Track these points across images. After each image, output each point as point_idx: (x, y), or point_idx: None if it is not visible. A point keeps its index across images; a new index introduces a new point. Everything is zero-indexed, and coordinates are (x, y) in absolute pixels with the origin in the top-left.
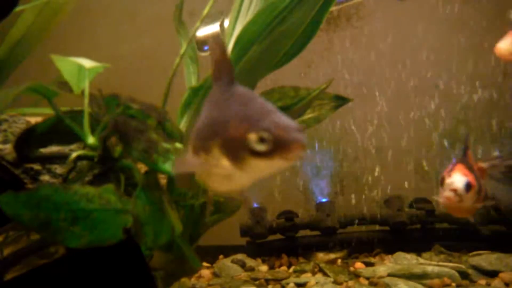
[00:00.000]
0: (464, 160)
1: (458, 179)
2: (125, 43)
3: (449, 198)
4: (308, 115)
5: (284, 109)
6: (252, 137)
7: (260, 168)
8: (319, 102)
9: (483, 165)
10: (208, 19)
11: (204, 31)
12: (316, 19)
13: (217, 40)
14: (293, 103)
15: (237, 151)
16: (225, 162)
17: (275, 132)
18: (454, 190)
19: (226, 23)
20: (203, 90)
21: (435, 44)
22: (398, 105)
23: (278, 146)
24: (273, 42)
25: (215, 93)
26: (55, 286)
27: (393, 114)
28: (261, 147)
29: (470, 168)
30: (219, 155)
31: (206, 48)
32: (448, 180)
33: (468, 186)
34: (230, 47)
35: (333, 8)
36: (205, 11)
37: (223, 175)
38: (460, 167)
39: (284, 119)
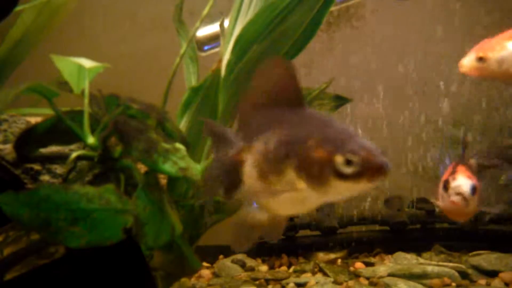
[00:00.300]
0: (463, 161)
1: (464, 182)
2: (125, 43)
3: (456, 203)
4: None
5: None
6: (339, 159)
7: (342, 191)
8: (319, 102)
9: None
10: (208, 19)
11: (204, 31)
12: (316, 19)
13: (287, 64)
14: None
15: (319, 173)
16: (301, 185)
17: (363, 155)
18: (461, 194)
19: (226, 23)
20: (203, 90)
21: (435, 44)
22: (398, 104)
23: (365, 169)
24: (273, 42)
25: (283, 114)
26: (55, 286)
27: (393, 113)
28: (347, 170)
29: (471, 169)
30: (294, 177)
31: (206, 48)
32: (453, 184)
33: (474, 189)
34: (230, 47)
35: (333, 8)
36: (205, 11)
37: (294, 198)
38: (462, 169)
39: (367, 142)
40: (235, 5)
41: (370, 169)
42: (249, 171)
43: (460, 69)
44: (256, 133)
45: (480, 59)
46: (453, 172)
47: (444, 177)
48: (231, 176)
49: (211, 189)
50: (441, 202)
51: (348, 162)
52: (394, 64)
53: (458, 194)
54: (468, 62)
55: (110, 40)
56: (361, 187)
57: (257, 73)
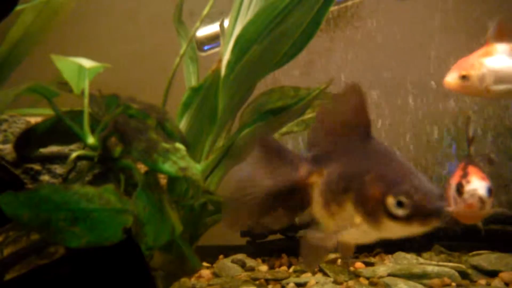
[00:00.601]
0: (471, 160)
1: (480, 185)
2: (125, 43)
3: (473, 206)
4: (308, 115)
5: (284, 109)
6: (390, 200)
7: (394, 231)
8: (319, 102)
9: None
10: (208, 19)
11: (204, 31)
12: (316, 19)
13: (356, 88)
14: (293, 103)
15: (373, 210)
16: (357, 219)
17: (415, 198)
18: (478, 197)
19: (226, 23)
20: (203, 90)
21: (436, 43)
22: (399, 104)
23: (417, 213)
24: (273, 42)
25: (350, 143)
26: (55, 286)
27: (393, 113)
28: (398, 212)
29: (480, 168)
30: (352, 210)
31: (206, 48)
32: (468, 187)
33: (490, 191)
34: (230, 47)
35: (333, 8)
36: (205, 11)
37: (354, 231)
38: (474, 171)
39: (425, 183)
40: (235, 5)
41: (422, 214)
42: (316, 195)
43: (445, 86)
44: (325, 158)
45: (463, 77)
46: (465, 175)
47: (455, 180)
48: (297, 197)
49: (268, 208)
50: (453, 206)
51: (400, 204)
52: (394, 64)
53: (475, 197)
54: (452, 79)
55: (110, 40)
56: (413, 230)
57: (335, 97)
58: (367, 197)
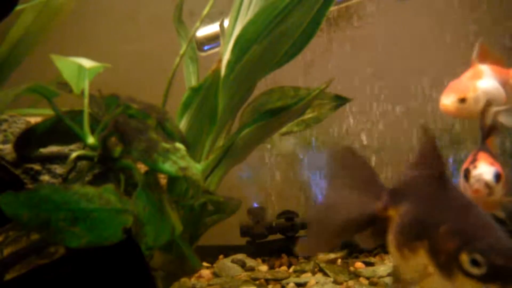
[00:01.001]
0: (485, 147)
1: (485, 170)
2: (125, 43)
3: (479, 191)
4: (308, 115)
5: (284, 109)
6: (465, 257)
7: None
8: (319, 101)
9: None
10: (208, 19)
11: (204, 31)
12: (316, 19)
13: (429, 132)
14: (293, 103)
15: (446, 264)
16: (430, 269)
17: (492, 258)
18: (484, 183)
19: (226, 23)
20: (203, 90)
21: (436, 43)
22: (398, 104)
23: (493, 273)
24: (273, 42)
25: (426, 187)
26: (55, 286)
27: (393, 112)
28: (473, 270)
29: (493, 156)
30: (425, 259)
31: (206, 48)
32: (474, 172)
33: (497, 176)
34: (229, 47)
35: (333, 8)
36: (205, 11)
37: (428, 280)
38: (483, 156)
39: (503, 240)
40: (234, 5)
41: (499, 275)
42: (391, 234)
43: (442, 108)
44: (401, 195)
45: (462, 100)
46: (474, 160)
47: (464, 166)
48: (378, 226)
49: (351, 233)
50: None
51: (475, 263)
52: (394, 64)
53: (480, 182)
54: (450, 103)
55: (110, 40)
56: None
57: (421, 142)
58: (441, 249)
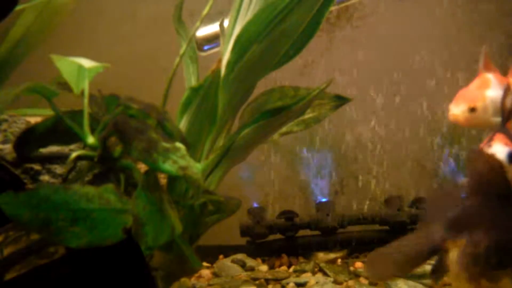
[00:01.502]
0: (504, 130)
1: (499, 149)
2: (125, 43)
3: None
4: (308, 115)
5: (284, 109)
6: None
7: None
8: (319, 101)
9: None
10: (208, 19)
11: (204, 31)
12: (316, 19)
13: (480, 154)
14: (293, 103)
15: None
16: None
17: None
18: None
19: (226, 23)
20: (203, 90)
21: (436, 43)
22: (398, 103)
23: None
24: (273, 42)
25: (492, 213)
26: (55, 286)
27: (394, 113)
28: None
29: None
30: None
31: (206, 48)
32: (488, 152)
33: (511, 156)
34: (229, 47)
35: (333, 8)
36: (205, 11)
37: None
38: (500, 137)
39: None
40: (234, 5)
41: None
42: (454, 267)
43: (451, 118)
44: (461, 225)
45: (472, 110)
46: (490, 140)
47: (480, 146)
48: (437, 258)
49: (412, 266)
50: None
51: None
52: (394, 64)
53: None
54: (460, 112)
55: (110, 40)
56: None
57: (469, 167)
58: None
